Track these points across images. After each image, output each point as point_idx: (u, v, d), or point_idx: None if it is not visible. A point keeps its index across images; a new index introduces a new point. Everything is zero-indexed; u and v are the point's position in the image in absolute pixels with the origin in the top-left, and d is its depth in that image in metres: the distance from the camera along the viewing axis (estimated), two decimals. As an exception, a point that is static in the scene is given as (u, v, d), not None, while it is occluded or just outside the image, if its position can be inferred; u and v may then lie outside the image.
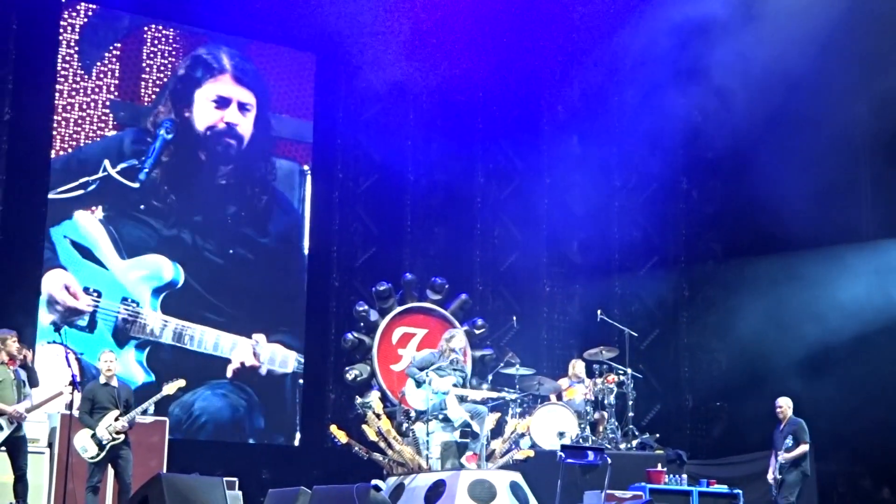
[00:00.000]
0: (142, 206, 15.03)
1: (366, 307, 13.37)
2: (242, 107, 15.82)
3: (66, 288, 14.39)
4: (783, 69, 14.62)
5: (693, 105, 16.27)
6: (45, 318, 14.13)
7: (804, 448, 12.32)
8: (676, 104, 16.24)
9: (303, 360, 15.68)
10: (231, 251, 15.55)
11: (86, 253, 14.61)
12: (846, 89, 14.74)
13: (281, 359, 15.56)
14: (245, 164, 15.84)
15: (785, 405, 12.66)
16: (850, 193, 15.36)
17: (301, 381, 15.74)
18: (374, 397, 11.98)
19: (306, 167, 16.33)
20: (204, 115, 15.58)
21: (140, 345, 14.71)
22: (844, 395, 13.73)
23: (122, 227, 14.83)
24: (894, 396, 13.79)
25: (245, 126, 15.84)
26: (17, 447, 10.46)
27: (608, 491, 10.54)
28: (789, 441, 12.35)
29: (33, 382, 10.79)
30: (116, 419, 10.72)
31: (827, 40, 14.17)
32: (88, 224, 14.68)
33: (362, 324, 13.41)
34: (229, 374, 15.20)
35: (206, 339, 15.12)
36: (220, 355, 15.17)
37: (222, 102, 15.69)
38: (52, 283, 14.36)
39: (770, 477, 12.48)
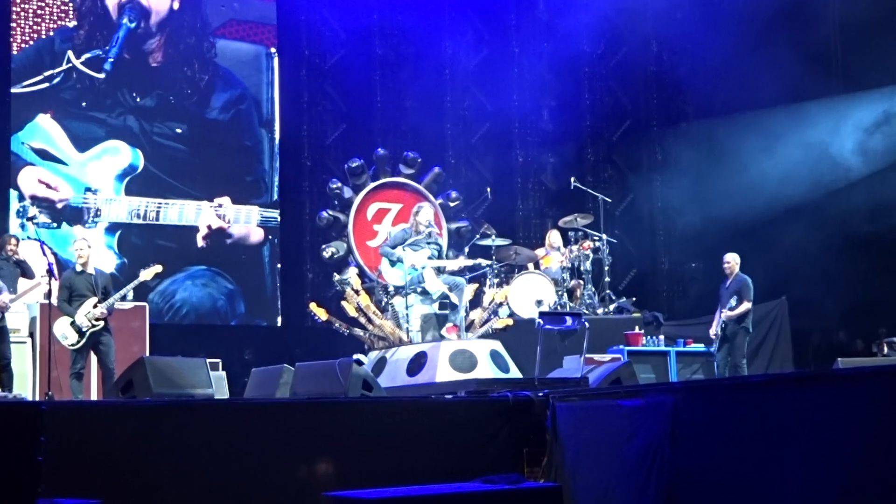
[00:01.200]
0: (84, 104, 14.82)
1: (339, 184, 13.33)
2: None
3: (42, 181, 14.32)
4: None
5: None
6: (14, 219, 14.10)
7: (747, 306, 12.33)
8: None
9: (271, 213, 15.62)
10: (178, 130, 15.41)
11: (44, 154, 14.51)
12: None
13: (245, 215, 15.51)
14: (181, 43, 15.61)
15: (732, 261, 12.63)
16: (818, 50, 15.28)
17: (279, 265, 15.77)
18: (351, 274, 12.00)
19: (273, 49, 16.09)
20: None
21: (108, 229, 14.67)
22: (817, 251, 13.84)
23: (70, 123, 14.68)
24: (865, 249, 13.87)
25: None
26: (0, 338, 10.56)
27: (587, 355, 10.67)
28: (733, 300, 12.33)
29: (28, 274, 10.96)
30: (95, 306, 10.75)
31: None
32: (45, 125, 14.53)
33: (336, 201, 13.39)
34: (199, 242, 15.17)
35: (169, 212, 15.07)
36: (186, 224, 15.15)
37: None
38: (28, 181, 14.28)
39: (712, 332, 12.46)
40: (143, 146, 15.09)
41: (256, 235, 15.69)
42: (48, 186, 14.38)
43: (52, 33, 14.67)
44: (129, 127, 15.06)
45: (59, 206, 14.45)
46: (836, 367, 10.59)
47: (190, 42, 15.61)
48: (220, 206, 15.36)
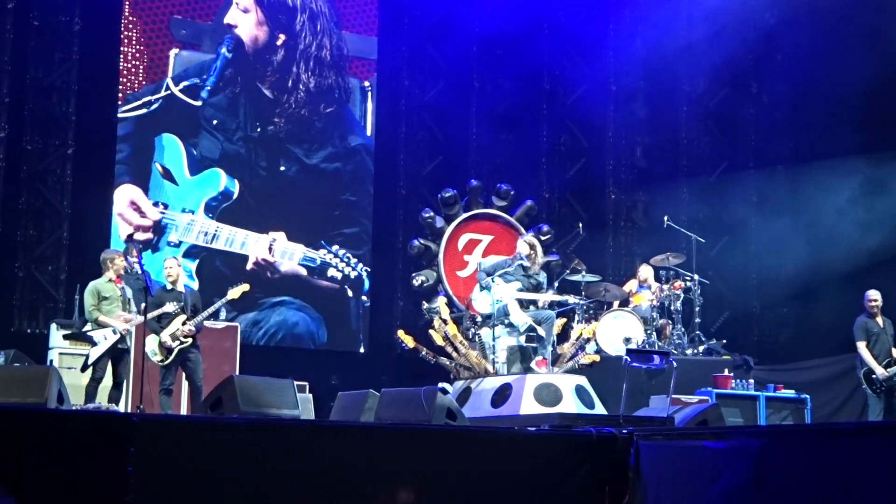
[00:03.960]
0: (215, 122, 15.23)
1: (431, 214, 13.42)
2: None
3: (132, 203, 14.68)
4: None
5: (763, 6, 15.93)
6: (120, 232, 14.47)
7: None
8: (748, 5, 15.93)
9: (313, 254, 15.74)
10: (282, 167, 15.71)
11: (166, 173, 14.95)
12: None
13: (290, 252, 15.61)
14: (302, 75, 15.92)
15: (880, 299, 12.24)
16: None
17: (363, 297, 15.88)
18: (440, 302, 12.06)
19: (367, 83, 16.33)
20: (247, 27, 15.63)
21: (186, 254, 14.93)
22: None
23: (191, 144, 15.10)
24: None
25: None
26: (120, 357, 10.92)
27: (674, 395, 10.55)
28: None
29: (150, 288, 11.11)
30: (184, 323, 10.96)
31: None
32: (172, 144, 15.02)
33: (428, 231, 13.48)
34: (249, 265, 15.31)
35: (235, 238, 15.29)
36: (241, 253, 15.35)
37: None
38: (120, 200, 14.68)
39: (881, 373, 11.95)
40: (247, 177, 15.39)
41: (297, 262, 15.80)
42: (137, 209, 14.69)
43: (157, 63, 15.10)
44: (241, 154, 15.36)
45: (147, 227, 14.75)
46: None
47: (297, 76, 15.89)
48: (273, 239, 15.50)
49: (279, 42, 15.77)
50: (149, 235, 14.72)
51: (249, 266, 15.27)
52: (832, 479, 6.11)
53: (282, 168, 15.73)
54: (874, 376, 11.95)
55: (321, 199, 15.88)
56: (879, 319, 12.19)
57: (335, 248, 15.80)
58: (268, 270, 15.40)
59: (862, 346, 12.11)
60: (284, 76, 15.79)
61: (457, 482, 7.16)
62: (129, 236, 13.72)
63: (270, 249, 15.43)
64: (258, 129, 15.59)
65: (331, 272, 15.76)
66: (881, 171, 14.60)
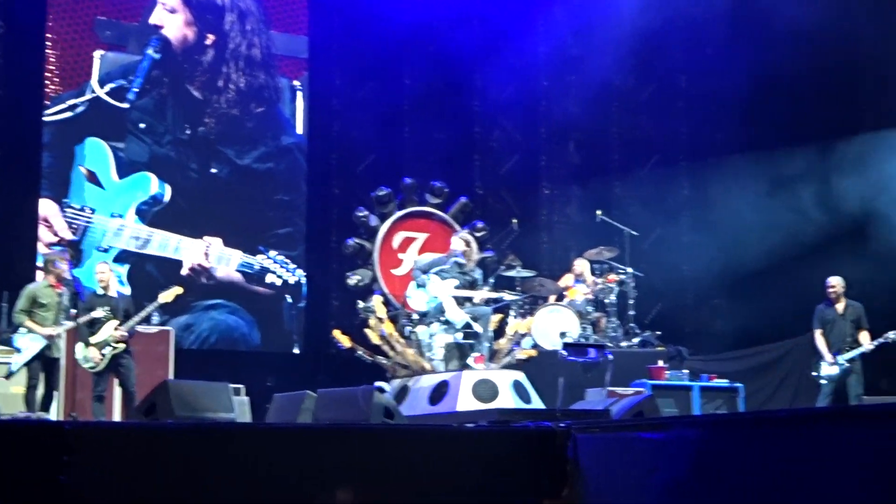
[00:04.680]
0: (143, 125, 15.01)
1: (366, 213, 13.39)
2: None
3: (45, 220, 14.42)
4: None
5: (693, 2, 16.07)
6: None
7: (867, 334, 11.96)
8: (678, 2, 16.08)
9: (250, 259, 15.63)
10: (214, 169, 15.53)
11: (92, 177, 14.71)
12: None
13: (227, 257, 15.48)
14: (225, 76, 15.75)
15: (839, 285, 12.20)
16: (847, 87, 15.24)
17: (299, 303, 15.77)
18: (376, 301, 12.03)
19: (297, 83, 16.20)
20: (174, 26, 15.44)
21: (117, 259, 14.73)
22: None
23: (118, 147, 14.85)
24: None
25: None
26: (51, 365, 10.78)
27: (610, 388, 10.63)
28: (851, 328, 11.97)
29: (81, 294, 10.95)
30: (116, 329, 10.80)
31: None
32: (96, 148, 14.75)
33: (363, 229, 13.43)
34: (183, 271, 15.17)
35: (165, 244, 15.11)
36: (174, 258, 15.18)
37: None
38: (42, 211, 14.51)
39: (830, 361, 11.98)
40: (178, 180, 15.18)
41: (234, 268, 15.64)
42: (49, 227, 14.43)
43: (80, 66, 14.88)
44: (170, 157, 15.15)
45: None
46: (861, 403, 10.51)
47: (225, 76, 15.73)
48: (209, 244, 15.34)
49: (207, 42, 15.60)
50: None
51: (185, 272, 15.10)
52: (769, 467, 6.16)
53: (213, 170, 15.56)
54: (822, 362, 12.06)
55: (254, 200, 15.75)
56: (840, 306, 12.20)
57: (273, 253, 15.65)
58: (203, 276, 15.23)
59: (816, 335, 12.22)
60: (213, 76, 15.63)
61: (396, 481, 7.12)
62: (54, 244, 13.52)
63: (206, 255, 15.26)
64: (188, 131, 15.40)
65: (269, 278, 15.62)
66: (814, 161, 14.80)
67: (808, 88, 15.09)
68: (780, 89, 15.42)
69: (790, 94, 15.25)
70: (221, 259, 15.39)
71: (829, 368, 11.94)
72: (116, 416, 11.54)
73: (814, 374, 12.15)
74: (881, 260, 13.58)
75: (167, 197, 15.11)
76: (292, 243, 15.90)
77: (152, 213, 15.02)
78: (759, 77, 15.55)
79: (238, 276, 15.49)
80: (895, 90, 14.60)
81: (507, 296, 12.26)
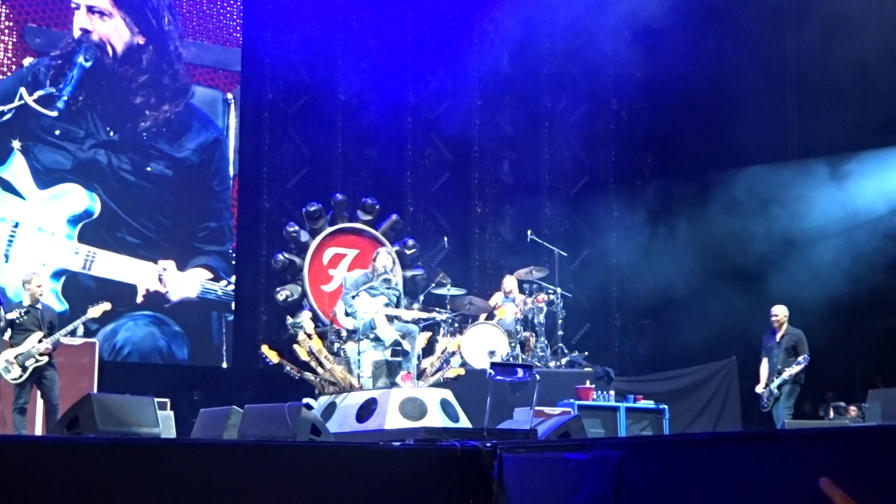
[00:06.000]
0: (57, 132, 14.79)
1: (296, 228, 13.34)
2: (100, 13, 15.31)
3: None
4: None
5: (623, 24, 16.29)
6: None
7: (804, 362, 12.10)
8: (606, 25, 16.26)
9: (213, 286, 15.53)
10: (148, 168, 15.38)
11: (6, 185, 14.41)
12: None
13: (186, 284, 15.38)
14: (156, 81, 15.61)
15: (781, 314, 12.31)
16: (776, 113, 15.57)
17: (227, 314, 15.65)
18: (305, 317, 11.97)
19: (230, 95, 16.11)
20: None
21: (55, 275, 14.52)
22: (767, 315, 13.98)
23: (38, 155, 14.61)
24: (817, 316, 14.00)
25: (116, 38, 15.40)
26: None
27: (537, 407, 10.67)
28: (786, 355, 12.10)
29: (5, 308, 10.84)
30: (40, 341, 10.67)
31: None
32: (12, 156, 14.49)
33: (293, 245, 13.39)
34: (139, 299, 15.04)
35: (114, 267, 14.91)
36: (126, 282, 14.98)
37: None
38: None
39: (762, 389, 12.21)
40: (108, 183, 15.00)
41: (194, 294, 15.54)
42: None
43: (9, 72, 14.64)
44: (98, 161, 14.99)
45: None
46: (782, 427, 10.68)
47: (157, 80, 15.60)
48: (163, 269, 15.21)
49: (137, 50, 15.43)
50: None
51: (139, 299, 14.93)
52: (689, 489, 6.24)
53: (142, 182, 15.38)
54: (762, 390, 12.27)
55: (184, 213, 15.59)
56: (779, 334, 12.37)
57: (233, 279, 15.52)
58: (159, 301, 15.07)
59: (761, 364, 12.42)
60: (140, 87, 15.45)
61: (321, 498, 7.11)
62: None
63: (160, 279, 15.10)
64: (116, 139, 15.21)
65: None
66: (740, 187, 15.07)
67: (732, 116, 15.36)
68: (699, 116, 15.69)
69: (711, 122, 15.52)
70: (179, 287, 15.23)
71: (764, 395, 12.16)
72: (38, 430, 11.36)
73: (759, 402, 12.37)
74: (803, 285, 13.86)
75: (97, 208, 14.89)
76: (222, 258, 15.76)
77: (82, 226, 14.78)
78: (682, 103, 15.81)
79: (195, 298, 15.36)
80: (824, 120, 14.91)
81: (436, 314, 12.28)
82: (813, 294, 13.66)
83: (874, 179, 14.57)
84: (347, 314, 11.47)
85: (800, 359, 11.99)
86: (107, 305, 11.26)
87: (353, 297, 11.39)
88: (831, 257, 14.29)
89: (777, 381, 12.06)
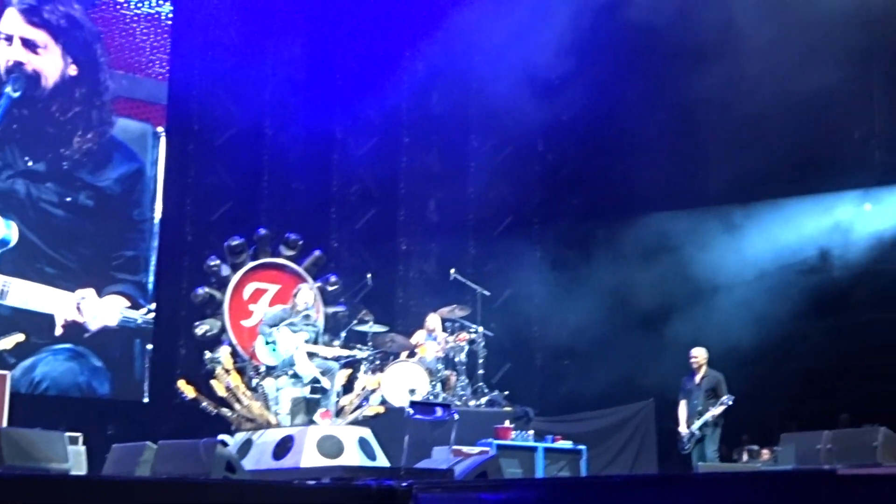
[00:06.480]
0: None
1: (217, 262, 13.23)
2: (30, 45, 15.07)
3: None
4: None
5: (550, 68, 16.47)
6: None
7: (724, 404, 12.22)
8: (535, 66, 16.42)
9: (132, 314, 15.32)
10: (68, 198, 15.15)
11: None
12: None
13: (105, 313, 15.14)
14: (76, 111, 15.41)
15: (700, 356, 12.48)
16: (698, 159, 15.84)
17: (149, 345, 15.45)
18: (223, 352, 11.86)
19: (160, 129, 15.96)
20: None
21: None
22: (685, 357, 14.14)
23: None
24: (730, 359, 14.19)
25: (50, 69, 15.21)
26: None
27: (455, 447, 10.66)
28: (704, 398, 12.23)
29: None
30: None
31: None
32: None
33: (214, 279, 13.27)
34: (57, 331, 14.77)
35: (31, 296, 14.64)
36: (44, 312, 14.70)
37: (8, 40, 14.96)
38: None
39: (684, 431, 12.31)
40: (26, 213, 14.74)
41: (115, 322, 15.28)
42: None
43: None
44: (16, 191, 14.74)
45: None
46: (696, 470, 10.77)
47: (83, 112, 15.39)
48: (82, 297, 14.95)
49: (70, 81, 15.23)
50: None
51: (59, 331, 14.63)
52: (602, 531, 6.26)
53: (61, 211, 15.13)
54: (679, 433, 12.36)
55: (105, 243, 15.36)
56: (698, 376, 12.49)
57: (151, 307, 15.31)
58: (78, 331, 14.77)
59: (679, 406, 12.50)
60: (67, 118, 15.24)
61: (233, 537, 6.99)
62: None
63: (79, 309, 14.83)
64: (36, 169, 14.97)
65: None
66: (664, 230, 15.27)
67: (645, 161, 15.61)
68: (620, 160, 15.91)
69: (631, 165, 15.74)
70: (98, 317, 14.95)
71: (684, 437, 12.25)
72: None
73: (678, 443, 12.45)
74: (717, 330, 14.06)
75: (14, 238, 14.62)
76: (143, 290, 15.54)
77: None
78: (604, 147, 16.03)
79: (114, 326, 15.10)
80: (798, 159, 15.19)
81: (357, 351, 12.23)
82: (728, 338, 13.87)
83: (780, 227, 14.92)
84: (267, 343, 11.38)
85: (723, 399, 12.13)
86: (20, 337, 11.07)
87: (272, 327, 11.32)
88: (747, 302, 14.55)
89: (698, 423, 12.17)
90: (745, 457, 13.24)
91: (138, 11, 15.92)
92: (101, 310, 15.02)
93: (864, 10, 14.73)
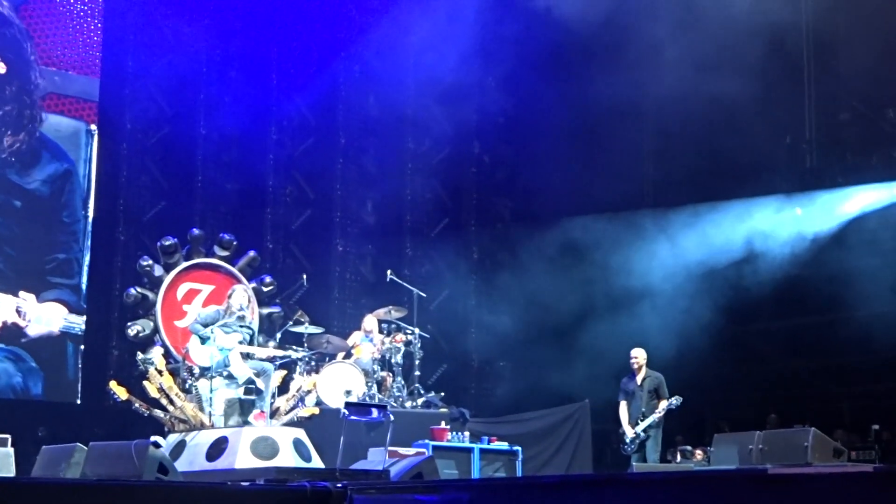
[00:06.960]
0: None
1: (150, 262, 13.08)
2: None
3: None
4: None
5: (487, 71, 16.53)
6: None
7: (665, 402, 12.26)
8: (472, 69, 16.46)
9: (75, 320, 15.09)
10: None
11: None
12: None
13: (47, 318, 14.90)
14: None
15: (640, 356, 12.48)
16: (631, 164, 15.97)
17: (82, 346, 15.22)
18: (156, 353, 11.71)
19: (93, 126, 15.72)
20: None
21: None
22: (622, 358, 14.22)
23: None
24: (669, 356, 14.31)
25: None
26: None
27: (391, 448, 10.62)
28: (648, 398, 12.24)
29: None
30: None
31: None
32: None
33: (146, 279, 13.11)
34: None
35: None
36: None
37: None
38: None
39: (630, 432, 12.29)
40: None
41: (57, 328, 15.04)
42: None
43: None
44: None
45: None
46: (631, 471, 10.84)
47: (13, 110, 15.10)
48: (24, 299, 14.70)
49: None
50: None
51: None
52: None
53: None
54: (622, 435, 12.40)
55: (35, 243, 15.09)
56: (639, 377, 12.51)
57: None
58: (14, 335, 14.48)
59: (620, 407, 12.53)
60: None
61: (165, 540, 6.92)
62: None
63: (19, 312, 14.53)
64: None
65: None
66: (592, 233, 15.37)
67: (588, 164, 15.71)
68: (558, 163, 15.99)
69: (568, 169, 15.83)
70: (40, 319, 14.66)
71: (628, 438, 12.29)
72: None
73: (621, 444, 12.49)
74: (654, 330, 14.18)
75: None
76: (74, 290, 15.29)
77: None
78: (542, 150, 16.12)
79: (56, 333, 14.82)
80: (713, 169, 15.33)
81: (292, 352, 12.16)
82: (664, 339, 13.97)
83: (722, 228, 15.08)
84: (203, 342, 11.26)
85: (672, 400, 12.19)
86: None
87: (205, 327, 11.21)
88: (684, 304, 14.67)
89: (643, 425, 12.23)
90: (678, 457, 13.35)
91: (70, 7, 15.69)
92: (43, 315, 14.76)
93: (794, 16, 14.95)
